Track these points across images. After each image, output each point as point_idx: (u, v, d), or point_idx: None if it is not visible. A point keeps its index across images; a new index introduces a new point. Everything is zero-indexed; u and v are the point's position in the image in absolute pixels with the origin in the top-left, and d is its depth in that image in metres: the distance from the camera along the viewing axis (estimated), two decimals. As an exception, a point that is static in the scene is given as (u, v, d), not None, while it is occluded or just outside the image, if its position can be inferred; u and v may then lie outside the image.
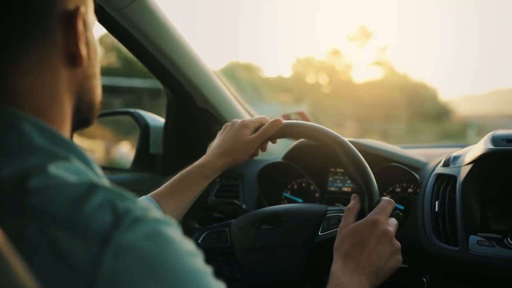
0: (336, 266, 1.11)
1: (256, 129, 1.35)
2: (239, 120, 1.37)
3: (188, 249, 0.64)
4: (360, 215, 1.18)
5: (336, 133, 1.28)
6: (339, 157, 1.25)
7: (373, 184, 1.21)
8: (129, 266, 0.57)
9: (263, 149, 1.39)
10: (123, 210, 0.60)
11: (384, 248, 1.12)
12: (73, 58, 0.73)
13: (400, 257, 1.15)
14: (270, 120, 1.35)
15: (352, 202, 1.21)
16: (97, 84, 0.82)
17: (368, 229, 1.13)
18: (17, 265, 0.50)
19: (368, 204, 1.20)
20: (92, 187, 0.62)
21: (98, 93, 0.82)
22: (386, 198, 1.20)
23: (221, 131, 1.39)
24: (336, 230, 1.20)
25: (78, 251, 0.56)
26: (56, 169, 0.62)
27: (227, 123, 1.39)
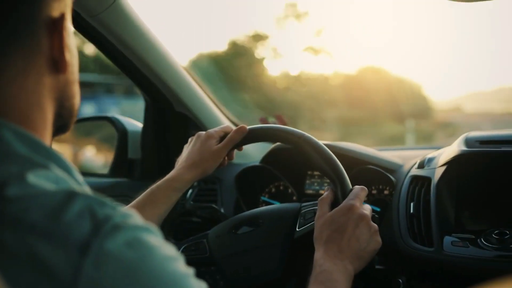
0: (318, 255, 1.12)
1: (222, 138, 1.36)
2: (204, 132, 1.37)
3: (168, 254, 0.64)
4: (334, 204, 1.19)
5: (301, 131, 1.30)
6: (307, 153, 1.26)
7: (343, 173, 1.23)
8: (110, 274, 0.57)
9: (230, 157, 1.40)
10: (103, 217, 0.60)
11: (363, 231, 1.13)
12: (57, 64, 0.73)
13: (379, 239, 1.16)
14: (235, 128, 1.36)
15: (325, 193, 1.23)
16: (77, 90, 0.82)
17: (344, 215, 1.14)
18: None
19: (341, 192, 1.21)
20: (71, 195, 0.61)
21: (77, 99, 0.82)
22: (358, 186, 1.22)
23: (187, 144, 1.40)
24: (313, 223, 1.20)
25: (58, 260, 0.56)
26: (34, 178, 0.62)
27: (192, 137, 1.40)
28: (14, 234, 0.57)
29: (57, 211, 0.59)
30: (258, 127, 1.37)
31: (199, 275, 0.68)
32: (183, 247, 1.45)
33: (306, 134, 1.28)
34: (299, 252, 1.28)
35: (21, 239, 0.57)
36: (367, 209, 1.18)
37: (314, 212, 1.24)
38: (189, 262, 0.68)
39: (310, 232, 1.20)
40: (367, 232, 1.14)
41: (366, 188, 1.21)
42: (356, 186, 1.21)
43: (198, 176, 1.33)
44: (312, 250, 1.15)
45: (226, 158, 1.38)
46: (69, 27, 0.77)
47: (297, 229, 1.30)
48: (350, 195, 1.18)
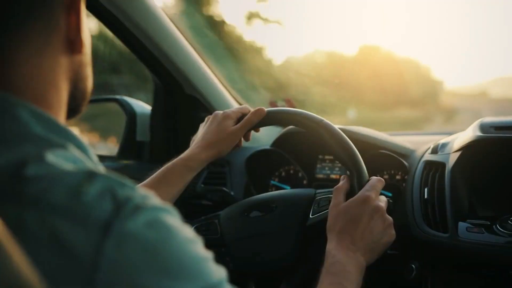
0: (331, 245, 1.11)
1: (239, 119, 1.35)
2: (221, 112, 1.36)
3: (188, 236, 0.64)
4: (350, 194, 1.18)
5: (319, 117, 1.28)
6: (325, 140, 1.25)
7: (360, 162, 1.22)
8: (131, 255, 0.57)
9: (247, 139, 1.39)
10: (123, 198, 0.60)
11: (377, 223, 1.13)
12: (73, 45, 0.72)
13: (393, 232, 1.16)
14: (253, 109, 1.34)
15: (341, 182, 1.22)
16: (90, 72, 0.81)
17: (359, 206, 1.13)
18: (18, 255, 0.49)
19: (357, 182, 1.20)
20: (91, 175, 0.61)
21: (91, 81, 0.82)
22: (375, 177, 1.21)
23: (204, 123, 1.39)
24: (327, 211, 1.19)
25: (78, 241, 0.56)
26: (53, 157, 0.61)
27: (209, 115, 1.38)
28: (34, 214, 0.56)
29: (77, 191, 0.58)
30: (276, 110, 1.36)
31: None
32: (194, 226, 1.45)
33: (325, 120, 1.26)
34: (311, 240, 1.28)
35: (42, 219, 0.56)
36: (382, 201, 1.17)
37: (329, 200, 1.23)
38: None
39: (324, 220, 1.19)
40: (381, 225, 1.14)
41: (383, 180, 1.20)
42: (373, 177, 1.20)
43: (213, 157, 1.32)
44: (324, 238, 1.15)
45: (242, 139, 1.36)
46: (83, 7, 0.76)
47: (310, 216, 1.29)
48: (366, 186, 1.17)
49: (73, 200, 0.58)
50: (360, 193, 1.16)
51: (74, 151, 0.66)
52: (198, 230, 1.43)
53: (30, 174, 0.59)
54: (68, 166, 0.62)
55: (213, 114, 1.37)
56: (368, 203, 1.14)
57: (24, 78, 0.68)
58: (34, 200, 0.57)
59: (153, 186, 1.28)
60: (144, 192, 0.63)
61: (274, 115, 1.34)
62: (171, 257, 0.60)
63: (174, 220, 0.64)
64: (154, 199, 0.63)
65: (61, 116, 0.74)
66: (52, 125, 0.68)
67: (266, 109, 1.33)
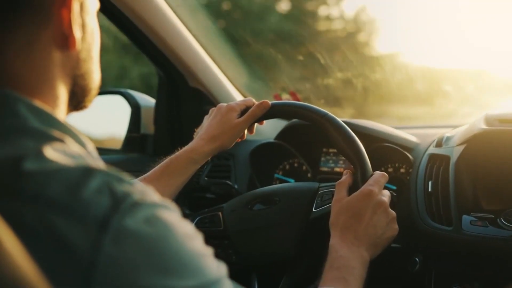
0: (334, 241, 1.11)
1: (243, 112, 1.34)
2: (225, 104, 1.35)
3: (187, 232, 0.63)
4: (353, 188, 1.18)
5: (324, 110, 1.28)
6: (329, 133, 1.25)
7: (364, 157, 1.21)
8: (129, 251, 0.57)
9: (251, 131, 1.39)
10: (122, 194, 0.59)
11: (380, 218, 1.13)
12: (66, 40, 0.71)
13: (396, 226, 1.16)
14: (257, 102, 1.34)
15: (343, 177, 1.21)
16: (93, 68, 0.80)
17: (362, 201, 1.13)
18: (17, 250, 0.49)
19: (361, 177, 1.19)
20: (89, 171, 0.60)
21: (94, 78, 0.81)
22: (378, 171, 1.20)
23: (208, 115, 1.38)
24: (330, 206, 1.19)
25: (77, 237, 0.55)
26: (52, 152, 0.61)
27: (213, 108, 1.38)
28: (32, 209, 0.56)
29: (76, 187, 0.58)
30: (281, 103, 1.36)
31: (212, 248, 0.67)
32: (197, 218, 1.45)
33: (329, 113, 1.26)
34: (313, 233, 1.28)
35: (40, 214, 0.56)
36: (385, 195, 1.17)
37: (332, 193, 1.23)
38: (202, 235, 0.67)
39: (326, 214, 1.19)
40: (384, 219, 1.14)
41: (386, 175, 1.20)
42: (377, 172, 1.20)
43: (217, 149, 1.32)
44: (327, 232, 1.15)
45: (245, 132, 1.36)
46: (88, 3, 0.76)
47: (313, 210, 1.29)
48: (370, 181, 1.17)
49: (71, 196, 0.57)
50: (363, 187, 1.15)
51: (73, 146, 0.66)
52: (202, 222, 1.43)
53: (28, 169, 0.58)
54: (66, 161, 0.61)
55: (217, 107, 1.36)
56: (371, 197, 1.13)
57: (16, 73, 0.68)
58: (32, 195, 0.57)
59: (156, 178, 1.28)
60: (143, 188, 0.63)
61: (278, 108, 1.34)
62: (169, 253, 0.60)
63: (173, 216, 0.63)
64: (153, 195, 0.63)
65: (59, 112, 0.73)
66: (50, 119, 0.67)
67: (270, 102, 1.33)
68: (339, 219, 1.14)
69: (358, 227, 1.11)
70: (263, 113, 1.33)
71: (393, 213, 1.15)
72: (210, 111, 1.38)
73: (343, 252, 1.08)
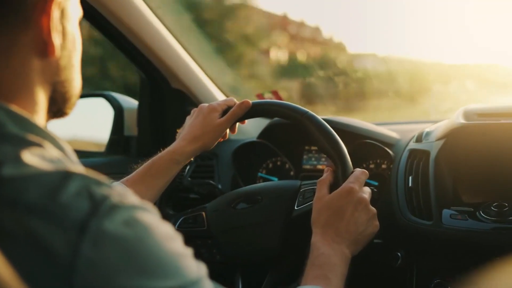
0: (316, 238, 1.12)
1: (224, 112, 1.34)
2: (207, 104, 1.36)
3: (166, 233, 0.64)
4: (334, 186, 1.19)
5: (304, 108, 1.29)
6: (310, 131, 1.25)
7: (345, 154, 1.22)
8: (108, 254, 0.57)
9: (233, 131, 1.39)
10: (100, 197, 0.59)
11: (361, 215, 1.14)
12: (45, 47, 0.71)
13: (377, 222, 1.17)
14: (238, 102, 1.34)
15: (324, 175, 1.22)
16: (74, 76, 0.79)
17: (343, 198, 1.14)
18: None
19: (341, 174, 1.20)
20: (67, 175, 0.60)
21: (74, 85, 0.80)
22: (359, 169, 1.21)
23: (189, 116, 1.38)
24: (312, 203, 1.20)
25: (56, 241, 0.55)
26: (30, 157, 0.61)
27: (194, 108, 1.38)
28: (11, 215, 0.56)
29: (54, 191, 0.58)
30: (262, 102, 1.37)
31: (196, 247, 0.68)
32: (181, 219, 1.45)
33: (310, 111, 1.27)
34: (296, 231, 1.28)
35: (18, 220, 0.56)
36: (366, 192, 1.18)
37: (314, 191, 1.23)
38: (186, 235, 0.67)
39: (308, 211, 1.20)
40: (365, 216, 1.14)
41: (366, 172, 1.20)
42: (357, 169, 1.21)
43: (199, 149, 1.33)
44: (309, 230, 1.15)
45: (227, 131, 1.37)
46: (70, 10, 0.75)
47: (295, 208, 1.30)
48: (350, 178, 1.18)
49: (49, 200, 0.57)
50: (344, 185, 1.16)
51: (51, 151, 0.66)
52: (186, 223, 1.44)
53: (6, 174, 0.58)
54: (45, 165, 0.61)
55: (198, 107, 1.37)
56: (352, 195, 1.14)
57: None
58: (11, 200, 0.57)
59: (139, 179, 1.29)
60: (122, 191, 0.63)
61: (259, 107, 1.34)
62: (149, 255, 0.60)
63: (151, 218, 0.63)
64: (131, 197, 0.63)
65: (38, 118, 0.73)
66: (29, 125, 0.67)
67: (251, 102, 1.34)
68: (320, 216, 1.15)
69: (339, 224, 1.12)
70: (244, 113, 1.33)
71: (374, 209, 1.16)
72: (192, 111, 1.38)
73: (324, 250, 1.09)
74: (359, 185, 1.17)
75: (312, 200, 1.22)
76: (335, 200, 1.14)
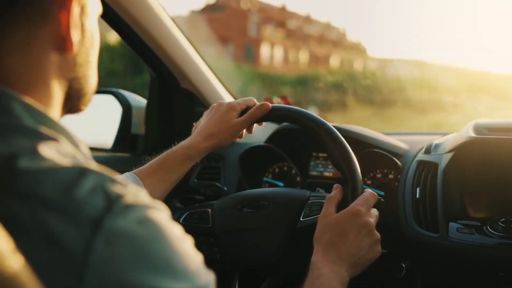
0: (316, 257, 1.11)
1: (243, 112, 1.34)
2: (226, 102, 1.35)
3: (177, 234, 0.64)
4: (342, 204, 1.18)
5: (322, 119, 1.28)
6: (325, 144, 1.24)
7: (358, 174, 1.21)
8: (121, 252, 0.57)
9: (250, 131, 1.39)
10: (115, 195, 0.60)
11: (364, 239, 1.13)
12: (63, 43, 0.71)
13: (379, 248, 1.16)
14: (258, 103, 1.34)
15: (333, 192, 1.21)
16: (90, 73, 0.80)
17: (349, 220, 1.13)
18: (8, 246, 0.49)
19: (351, 194, 1.19)
20: (83, 171, 0.60)
21: (90, 82, 0.80)
22: (369, 190, 1.20)
23: (208, 111, 1.38)
24: (317, 217, 1.19)
25: (69, 236, 0.55)
26: (47, 151, 0.61)
27: (213, 104, 1.38)
28: (25, 207, 0.56)
29: (69, 187, 0.58)
30: (281, 107, 1.36)
31: (197, 244, 0.67)
32: (187, 213, 1.45)
33: (328, 123, 1.26)
34: (298, 242, 1.28)
35: (33, 213, 0.56)
36: (373, 216, 1.17)
37: (321, 205, 1.23)
38: (190, 230, 0.67)
39: (312, 225, 1.19)
40: (368, 241, 1.14)
41: (376, 194, 1.19)
42: (367, 190, 1.20)
43: (213, 147, 1.32)
44: (311, 244, 1.15)
45: (244, 131, 1.36)
46: (89, 7, 0.76)
47: (301, 219, 1.30)
48: (359, 200, 1.17)
49: (65, 195, 0.58)
50: (352, 206, 1.15)
51: (66, 145, 0.66)
52: (191, 218, 1.44)
53: (22, 167, 0.58)
54: (61, 160, 0.61)
55: (217, 104, 1.36)
56: (358, 217, 1.13)
57: (11, 70, 0.67)
58: (26, 193, 0.57)
59: (152, 172, 1.29)
60: (136, 190, 0.63)
61: (278, 112, 1.33)
62: (161, 254, 0.60)
63: (164, 218, 0.63)
64: (144, 197, 0.63)
65: (53, 112, 0.73)
66: (44, 118, 0.67)
67: (270, 105, 1.33)
68: (324, 235, 1.14)
69: (341, 246, 1.11)
70: (263, 115, 1.33)
71: (378, 235, 1.16)
72: (211, 107, 1.38)
73: (324, 271, 1.08)
74: (367, 207, 1.16)
75: (317, 214, 1.22)
76: (341, 221, 1.14)
